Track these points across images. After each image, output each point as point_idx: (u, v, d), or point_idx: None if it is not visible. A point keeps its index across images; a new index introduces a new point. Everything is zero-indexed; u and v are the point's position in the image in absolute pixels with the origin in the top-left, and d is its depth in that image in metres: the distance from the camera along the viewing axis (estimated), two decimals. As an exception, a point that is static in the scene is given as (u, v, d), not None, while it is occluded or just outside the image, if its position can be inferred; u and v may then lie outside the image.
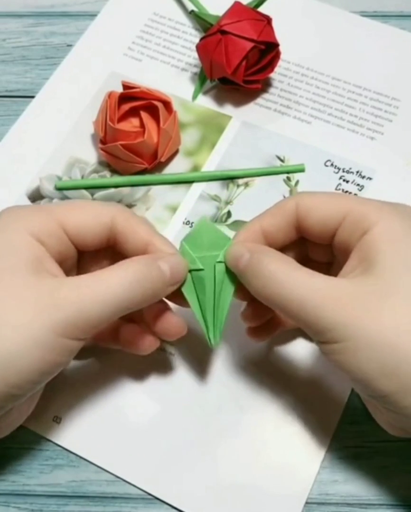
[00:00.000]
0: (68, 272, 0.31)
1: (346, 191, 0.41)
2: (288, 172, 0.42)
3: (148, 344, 0.32)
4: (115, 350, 0.35)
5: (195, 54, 0.44)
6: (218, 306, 0.31)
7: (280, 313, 0.28)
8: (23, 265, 0.27)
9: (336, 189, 0.41)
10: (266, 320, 0.34)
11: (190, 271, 0.31)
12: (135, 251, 0.30)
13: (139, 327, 0.33)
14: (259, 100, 0.45)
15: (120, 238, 0.31)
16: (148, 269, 0.28)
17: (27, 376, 0.26)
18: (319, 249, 0.32)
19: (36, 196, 0.41)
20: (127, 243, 0.31)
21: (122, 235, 0.30)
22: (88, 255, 0.32)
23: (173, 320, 0.32)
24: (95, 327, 0.27)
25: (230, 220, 0.40)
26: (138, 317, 0.33)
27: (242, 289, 0.30)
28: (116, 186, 0.42)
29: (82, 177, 0.42)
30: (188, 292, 0.31)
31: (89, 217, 0.30)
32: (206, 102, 0.45)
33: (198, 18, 0.46)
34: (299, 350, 0.36)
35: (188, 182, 0.42)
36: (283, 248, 0.32)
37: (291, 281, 0.27)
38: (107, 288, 0.27)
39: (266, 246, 0.30)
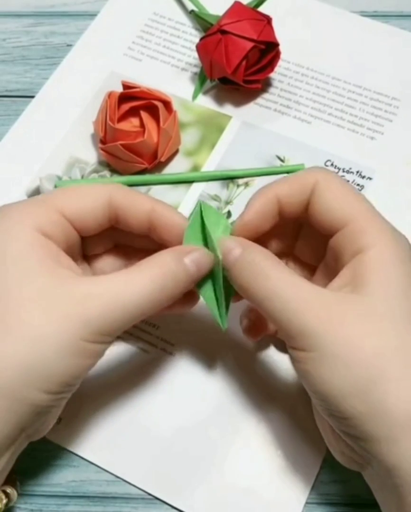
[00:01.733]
0: (74, 259, 0.31)
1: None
2: (288, 172, 0.42)
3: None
4: (114, 350, 0.35)
5: (195, 54, 0.44)
6: (224, 286, 0.30)
7: (259, 309, 0.28)
8: (40, 268, 0.27)
9: (336, 189, 0.41)
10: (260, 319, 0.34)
11: None
12: (138, 222, 0.30)
13: None
14: (259, 100, 0.45)
15: (121, 214, 0.30)
16: (175, 268, 0.28)
17: (60, 381, 0.26)
18: (310, 245, 0.32)
19: (36, 196, 0.41)
20: (129, 216, 0.30)
21: (122, 209, 0.30)
22: (90, 238, 0.32)
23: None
24: (120, 330, 0.27)
25: (230, 220, 0.40)
26: None
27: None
28: (116, 186, 0.41)
29: (82, 177, 0.42)
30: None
31: (87, 200, 0.30)
32: (206, 102, 0.45)
33: (198, 18, 0.46)
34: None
35: (188, 182, 0.42)
36: (272, 236, 0.32)
37: (281, 279, 0.27)
38: (133, 294, 0.27)
39: (256, 244, 0.30)
